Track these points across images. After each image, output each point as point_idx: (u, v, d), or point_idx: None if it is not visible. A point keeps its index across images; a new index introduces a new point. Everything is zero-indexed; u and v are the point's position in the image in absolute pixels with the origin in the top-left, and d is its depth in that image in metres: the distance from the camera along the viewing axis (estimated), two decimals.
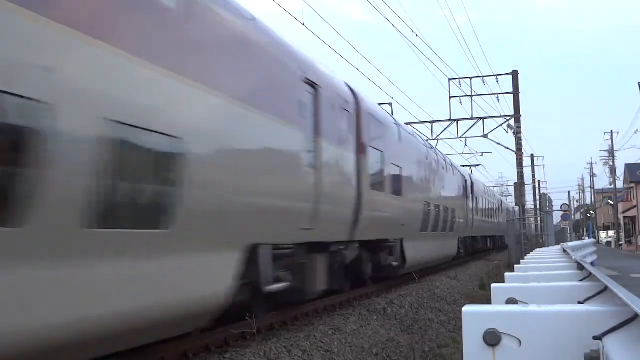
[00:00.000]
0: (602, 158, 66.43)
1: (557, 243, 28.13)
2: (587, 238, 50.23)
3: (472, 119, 29.04)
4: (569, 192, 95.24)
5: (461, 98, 28.61)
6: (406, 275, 18.16)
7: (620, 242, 61.83)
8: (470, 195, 27.07)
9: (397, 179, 14.29)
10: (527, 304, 3.77)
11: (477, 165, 42.98)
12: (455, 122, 29.39)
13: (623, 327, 2.55)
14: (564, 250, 10.76)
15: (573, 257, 7.26)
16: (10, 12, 4.10)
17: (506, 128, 28.37)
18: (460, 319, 3.02)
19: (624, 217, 62.73)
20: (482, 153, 38.85)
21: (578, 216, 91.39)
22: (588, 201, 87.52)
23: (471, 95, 28.63)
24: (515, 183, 30.07)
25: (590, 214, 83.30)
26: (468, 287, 19.50)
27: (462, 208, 24.06)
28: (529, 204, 55.57)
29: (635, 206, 59.05)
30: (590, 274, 4.51)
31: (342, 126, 10.38)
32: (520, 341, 2.84)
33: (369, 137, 12.00)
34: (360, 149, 11.32)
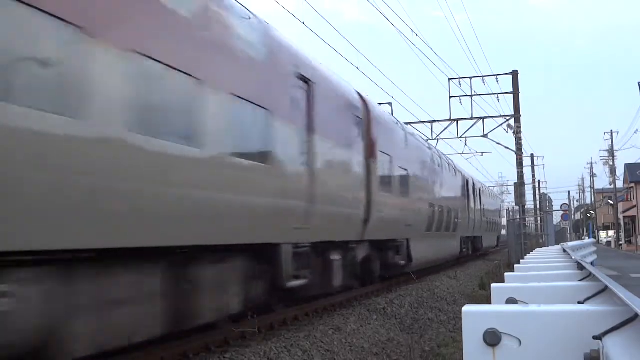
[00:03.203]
0: (602, 158, 66.48)
1: (557, 243, 28.13)
2: (587, 238, 50.27)
3: (472, 118, 29.05)
4: (569, 192, 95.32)
5: (461, 98, 28.62)
6: (406, 275, 18.16)
7: (620, 242, 61.83)
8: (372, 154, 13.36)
9: None
10: (527, 303, 3.76)
11: None
12: (455, 122, 29.41)
13: (623, 327, 2.55)
14: (564, 250, 10.76)
15: (573, 257, 7.26)
16: None
17: (506, 128, 28.38)
18: (460, 318, 3.02)
19: (624, 217, 62.75)
20: (482, 153, 38.83)
21: (578, 216, 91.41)
22: (588, 201, 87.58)
23: (471, 95, 28.64)
24: (515, 183, 30.07)
25: (590, 213, 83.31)
26: (468, 287, 19.50)
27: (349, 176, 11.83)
28: (529, 204, 55.60)
29: (635, 206, 59.07)
30: (590, 273, 4.51)
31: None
32: (520, 341, 2.84)
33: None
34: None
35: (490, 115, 29.28)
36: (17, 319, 4.80)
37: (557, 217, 53.42)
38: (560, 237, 41.20)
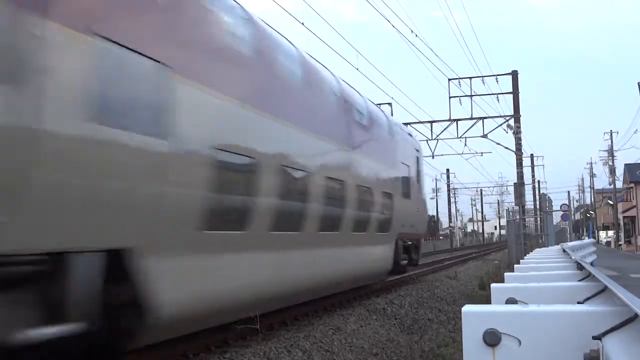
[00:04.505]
0: (601, 158, 66.49)
1: (557, 243, 28.14)
2: (586, 238, 50.26)
3: (471, 119, 29.05)
4: (568, 192, 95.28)
5: (461, 98, 28.62)
6: (405, 275, 18.14)
7: (620, 242, 61.83)
8: None
9: None
10: (526, 303, 3.77)
11: None
12: (455, 122, 29.41)
13: (623, 327, 2.55)
14: (564, 250, 10.76)
15: (572, 257, 7.26)
16: None
17: (506, 128, 28.38)
18: (460, 318, 3.02)
19: (624, 217, 62.76)
20: (482, 153, 38.70)
21: (578, 216, 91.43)
22: (588, 201, 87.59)
23: (471, 95, 28.64)
24: (515, 183, 30.06)
25: (590, 214, 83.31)
26: (468, 287, 19.50)
27: None
28: (529, 204, 55.62)
29: (634, 206, 59.08)
30: (590, 274, 4.51)
31: None
32: (519, 341, 2.84)
33: None
34: None
35: (490, 116, 29.29)
36: None
37: (556, 217, 53.39)
38: (560, 237, 41.22)
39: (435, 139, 29.71)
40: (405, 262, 16.50)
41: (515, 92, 28.34)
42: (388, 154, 15.40)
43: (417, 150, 19.01)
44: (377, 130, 14.74)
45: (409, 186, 16.89)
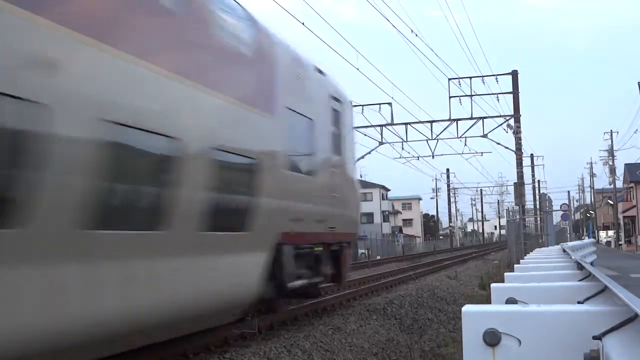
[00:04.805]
0: (601, 158, 66.44)
1: (557, 243, 28.13)
2: (586, 238, 50.25)
3: (471, 118, 29.06)
4: (568, 192, 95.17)
5: (461, 98, 28.63)
6: (405, 274, 18.13)
7: (620, 242, 61.83)
8: None
9: None
10: (526, 303, 3.76)
11: None
12: (455, 122, 29.41)
13: (623, 327, 2.54)
14: (564, 250, 10.76)
15: (573, 257, 7.26)
16: None
17: (506, 128, 28.41)
18: (460, 318, 3.02)
19: (624, 217, 62.78)
20: (482, 153, 38.66)
21: (578, 216, 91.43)
22: (588, 201, 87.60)
23: (471, 95, 28.66)
24: (515, 183, 30.07)
25: (590, 213, 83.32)
26: (468, 287, 19.50)
27: None
28: (529, 203, 55.59)
29: (634, 206, 59.09)
30: (590, 273, 4.51)
31: None
32: (520, 341, 2.84)
33: None
34: None
35: (490, 115, 29.32)
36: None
37: (556, 217, 53.41)
38: (560, 237, 41.20)
39: (435, 138, 29.75)
40: (304, 281, 10.10)
41: (515, 92, 28.36)
42: (245, 85, 8.55)
43: (337, 101, 11.77)
44: (210, 31, 7.63)
45: (312, 154, 10.56)
